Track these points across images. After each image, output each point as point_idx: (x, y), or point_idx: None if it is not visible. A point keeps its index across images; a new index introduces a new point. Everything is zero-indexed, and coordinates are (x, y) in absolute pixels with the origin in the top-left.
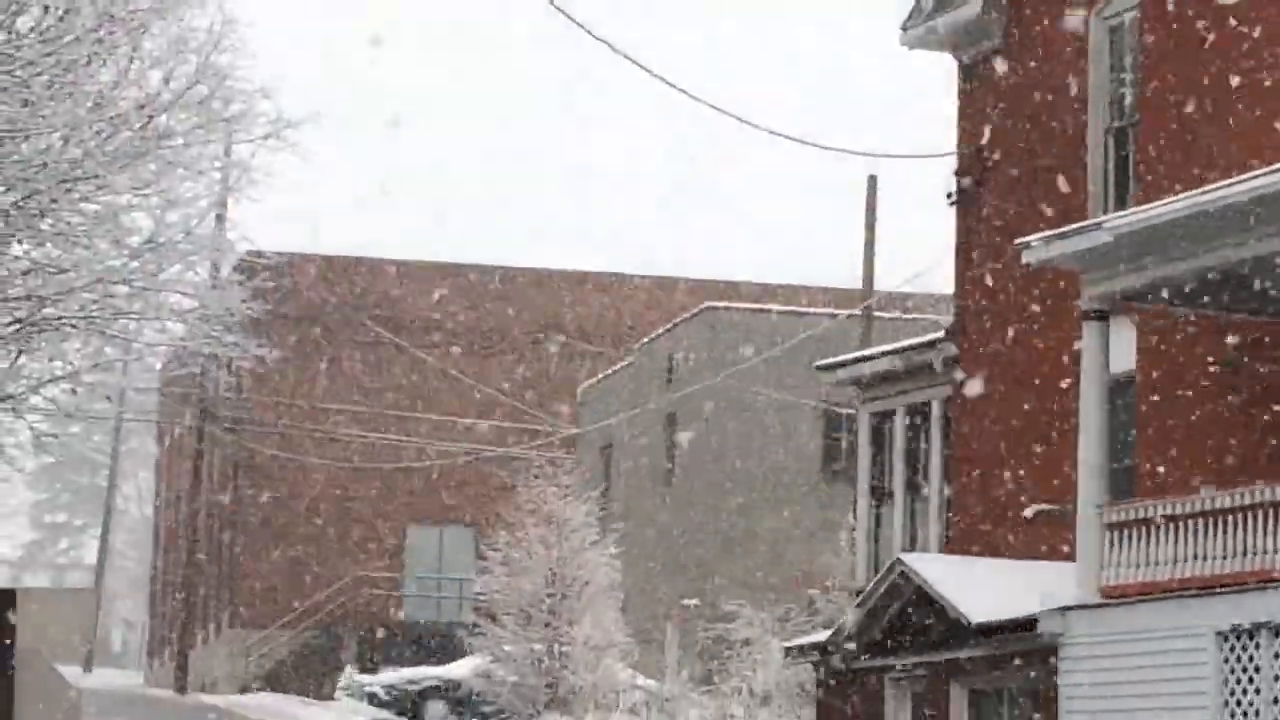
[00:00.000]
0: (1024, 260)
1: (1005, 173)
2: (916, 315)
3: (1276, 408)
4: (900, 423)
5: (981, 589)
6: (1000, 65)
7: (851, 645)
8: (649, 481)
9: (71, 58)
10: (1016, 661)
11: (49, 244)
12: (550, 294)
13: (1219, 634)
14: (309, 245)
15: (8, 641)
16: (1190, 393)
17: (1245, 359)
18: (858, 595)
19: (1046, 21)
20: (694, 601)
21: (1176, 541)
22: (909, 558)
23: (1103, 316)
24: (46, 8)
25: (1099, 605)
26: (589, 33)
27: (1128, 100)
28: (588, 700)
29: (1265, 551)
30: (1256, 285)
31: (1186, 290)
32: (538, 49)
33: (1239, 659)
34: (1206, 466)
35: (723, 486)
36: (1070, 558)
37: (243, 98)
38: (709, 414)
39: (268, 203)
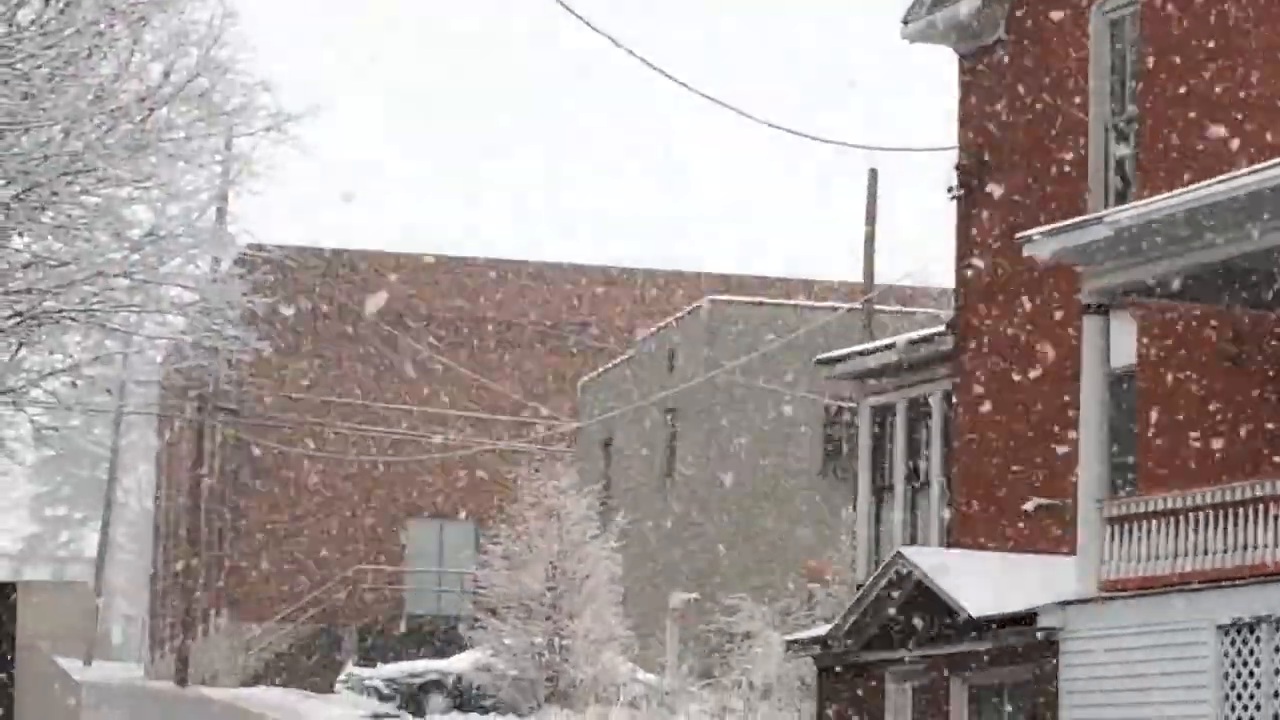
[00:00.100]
0: (1024, 254)
1: (1006, 167)
2: (917, 309)
3: (1277, 401)
4: (901, 416)
5: (982, 583)
6: (1000, 59)
7: (852, 639)
8: (649, 475)
9: (72, 50)
10: (1017, 655)
11: (49, 237)
12: (551, 288)
13: (1219, 628)
14: (310, 239)
15: (8, 635)
16: (1191, 387)
17: (1245, 353)
18: (858, 589)
19: (1047, 15)
20: (694, 595)
21: (1177, 535)
22: (909, 551)
23: (1103, 310)
24: (47, 1)
25: (1099, 599)
26: (591, 26)
27: (1128, 94)
28: (588, 694)
29: (1266, 545)
30: (1257, 279)
31: (1187, 284)
32: (538, 45)
33: (1239, 653)
34: (1207, 460)
35: (723, 480)
36: (1070, 552)
37: (243, 91)
38: (709, 408)
39: (269, 196)
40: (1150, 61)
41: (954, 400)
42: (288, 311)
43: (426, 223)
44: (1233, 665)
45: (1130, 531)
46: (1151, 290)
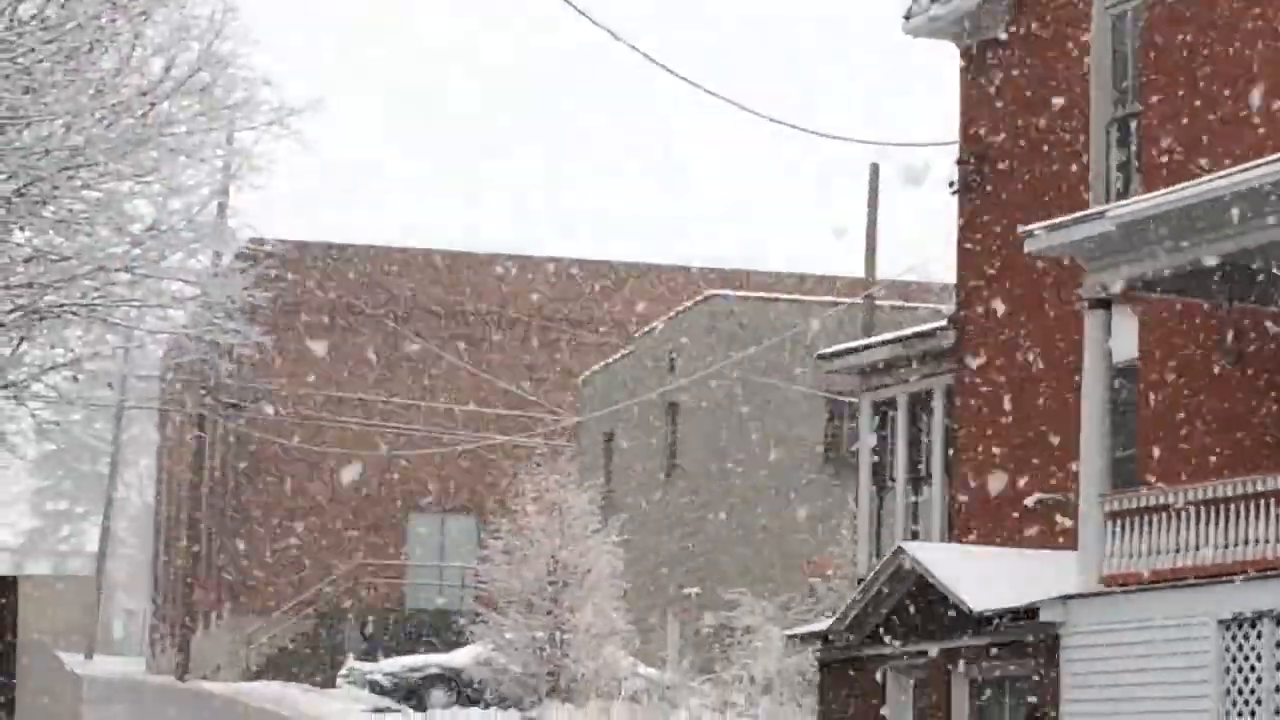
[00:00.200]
0: (1026, 249)
1: (1008, 161)
2: (918, 304)
3: (1277, 397)
4: (902, 411)
5: (983, 577)
6: (1002, 53)
7: (853, 634)
8: (650, 470)
9: (73, 45)
10: (1018, 650)
11: (51, 231)
12: (552, 282)
13: (1220, 622)
14: (312, 233)
15: (10, 629)
16: (1192, 382)
17: (1246, 348)
18: (859, 583)
19: (1049, 9)
20: (695, 590)
21: (1178, 530)
22: (911, 546)
23: (1105, 305)
24: None
25: (1100, 594)
26: (591, 20)
27: (1130, 88)
28: (589, 688)
29: (1267, 540)
30: (1259, 275)
31: (1188, 279)
32: (538, 44)
33: (1240, 647)
34: (1208, 455)
35: (724, 475)
36: (1072, 546)
37: (245, 85)
38: (710, 402)
39: (271, 191)
40: (1152, 56)
41: (955, 395)
42: (289, 306)
43: (427, 222)
44: (1234, 660)
45: (1131, 526)
46: (1153, 285)
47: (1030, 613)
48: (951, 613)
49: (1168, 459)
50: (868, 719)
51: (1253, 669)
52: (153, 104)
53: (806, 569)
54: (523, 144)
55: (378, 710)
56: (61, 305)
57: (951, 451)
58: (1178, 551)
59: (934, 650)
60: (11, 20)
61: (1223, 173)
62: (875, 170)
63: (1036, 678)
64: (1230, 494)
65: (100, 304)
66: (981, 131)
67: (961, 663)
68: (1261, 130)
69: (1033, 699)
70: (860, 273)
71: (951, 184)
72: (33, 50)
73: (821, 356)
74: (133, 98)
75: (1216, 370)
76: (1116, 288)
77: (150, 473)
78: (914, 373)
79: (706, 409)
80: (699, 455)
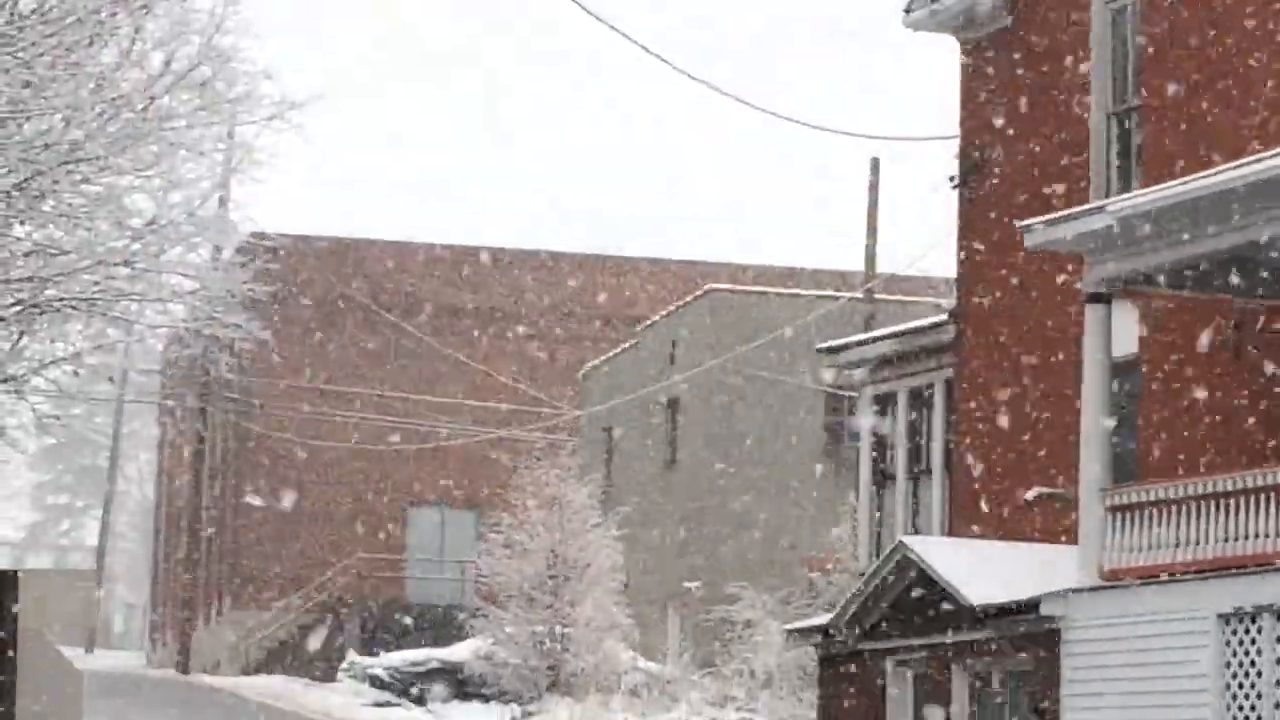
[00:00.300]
0: (1026, 243)
1: (1008, 155)
2: (919, 298)
3: (1278, 391)
4: (902, 405)
5: (983, 572)
6: (1003, 48)
7: (853, 628)
8: (651, 464)
9: (73, 39)
10: (1018, 644)
11: (51, 225)
12: (553, 277)
13: (1220, 617)
14: (312, 227)
15: (10, 623)
16: (1192, 376)
17: (1248, 342)
18: (859, 578)
19: (1050, 3)
20: (695, 584)
21: (1178, 525)
22: (911, 540)
23: (1105, 300)
24: None
25: (1101, 588)
26: (591, 14)
27: (1130, 83)
28: (589, 682)
29: (1267, 535)
30: (1259, 269)
31: (1189, 274)
32: (538, 44)
33: (1240, 642)
34: (1208, 449)
35: (724, 469)
36: (1072, 541)
37: (246, 79)
38: (711, 396)
39: (271, 184)
40: (1152, 50)
41: (955, 389)
42: (289, 299)
43: (427, 220)
44: (1234, 654)
45: (1132, 520)
46: (1153, 280)
47: (1031, 607)
48: (952, 607)
49: (1168, 453)
50: (868, 713)
51: (1253, 663)
52: (153, 98)
53: (806, 563)
54: (523, 143)
55: (378, 704)
56: (62, 299)
57: (952, 446)
58: (1178, 546)
59: (934, 644)
60: (12, 14)
61: (1223, 167)
62: (875, 163)
63: (1037, 672)
64: (1231, 488)
65: (100, 298)
66: (982, 124)
67: (962, 656)
68: (1261, 124)
69: (1033, 693)
70: (860, 267)
71: (952, 178)
72: (33, 44)
73: (822, 350)
74: (133, 92)
75: (1217, 365)
76: (1117, 282)
77: (150, 467)
78: (914, 367)
79: (707, 403)
80: (699, 449)
